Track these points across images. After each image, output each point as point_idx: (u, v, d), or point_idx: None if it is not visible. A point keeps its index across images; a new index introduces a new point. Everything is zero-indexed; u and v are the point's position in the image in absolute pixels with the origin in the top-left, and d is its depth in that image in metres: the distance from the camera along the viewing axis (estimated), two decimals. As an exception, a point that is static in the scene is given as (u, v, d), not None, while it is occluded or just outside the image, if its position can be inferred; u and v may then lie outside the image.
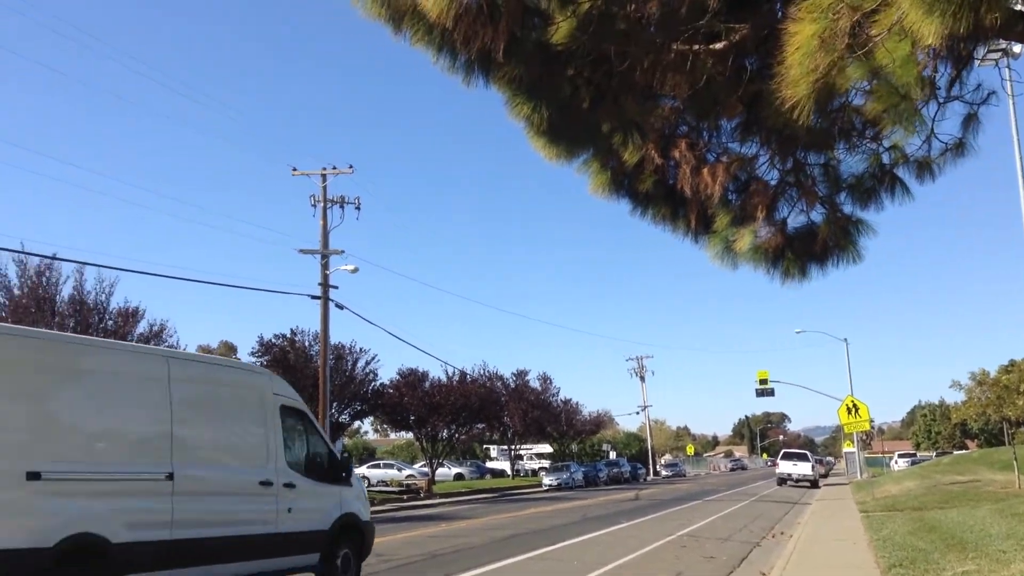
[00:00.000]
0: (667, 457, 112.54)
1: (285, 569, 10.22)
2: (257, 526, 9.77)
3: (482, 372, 54.02)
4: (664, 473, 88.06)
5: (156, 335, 27.30)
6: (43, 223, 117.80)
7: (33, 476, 7.46)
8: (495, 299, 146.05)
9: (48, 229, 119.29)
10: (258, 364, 37.88)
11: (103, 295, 25.86)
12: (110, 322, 25.97)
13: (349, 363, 39.56)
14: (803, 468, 49.69)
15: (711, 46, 5.68)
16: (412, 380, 46.74)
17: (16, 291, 24.40)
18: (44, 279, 24.90)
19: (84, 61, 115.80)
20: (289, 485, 10.33)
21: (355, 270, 33.95)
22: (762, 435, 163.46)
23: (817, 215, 6.90)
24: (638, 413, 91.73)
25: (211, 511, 9.19)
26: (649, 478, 78.45)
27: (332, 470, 11.44)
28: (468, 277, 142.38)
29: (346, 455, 11.74)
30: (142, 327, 26.85)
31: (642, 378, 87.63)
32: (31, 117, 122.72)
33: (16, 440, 7.53)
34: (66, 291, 25.38)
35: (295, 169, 35.16)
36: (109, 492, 8.15)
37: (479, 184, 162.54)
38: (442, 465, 52.62)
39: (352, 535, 11.48)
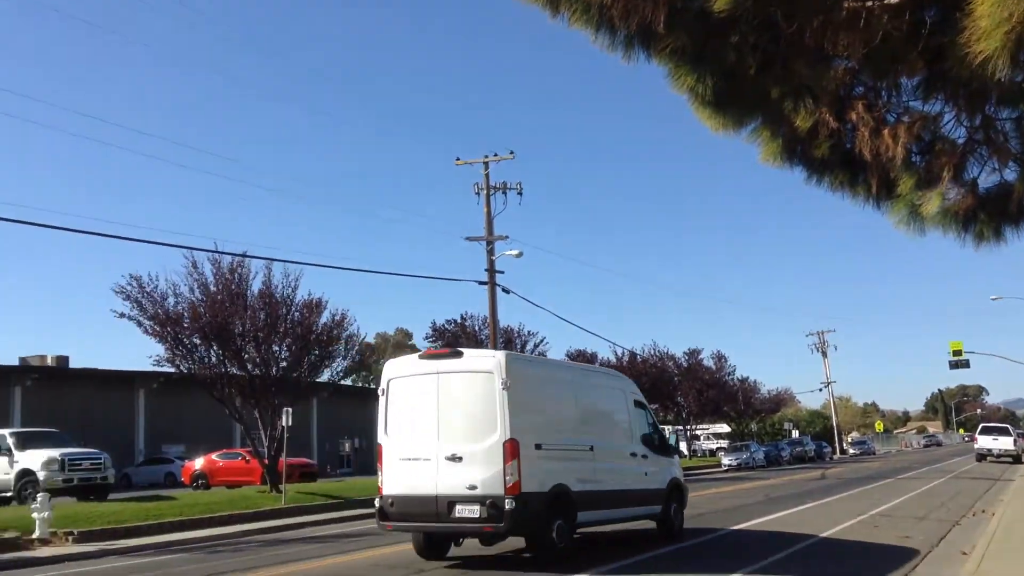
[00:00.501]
0: (854, 435, 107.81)
1: (644, 515, 14.91)
2: (632, 483, 14.32)
3: (652, 352, 53.51)
4: (851, 451, 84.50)
5: (338, 324, 28.54)
6: (234, 224, 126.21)
7: (538, 447, 12.05)
8: (663, 277, 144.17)
9: (238, 229, 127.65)
10: (433, 347, 39.29)
11: (289, 288, 27.29)
12: (296, 313, 27.38)
13: (518, 346, 40.16)
14: (1004, 443, 46.49)
15: (886, 1, 5.34)
16: (580, 362, 46.93)
17: (212, 287, 26.18)
18: (236, 275, 26.54)
19: (241, 60, 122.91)
20: (644, 456, 14.94)
21: (519, 254, 34.38)
22: (957, 409, 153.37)
23: (1011, 173, 6.39)
24: (821, 390, 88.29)
25: (612, 472, 13.78)
26: (835, 457, 75.49)
27: (663, 446, 16.07)
28: (635, 255, 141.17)
29: (672, 435, 15.88)
30: (324, 317, 28.19)
31: (824, 353, 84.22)
32: (216, 124, 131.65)
33: (531, 424, 12.08)
34: (256, 285, 27.02)
35: (458, 159, 35.95)
36: (567, 459, 12.74)
37: (641, 160, 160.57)
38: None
39: (678, 493, 15.80)
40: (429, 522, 12.09)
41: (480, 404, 11.99)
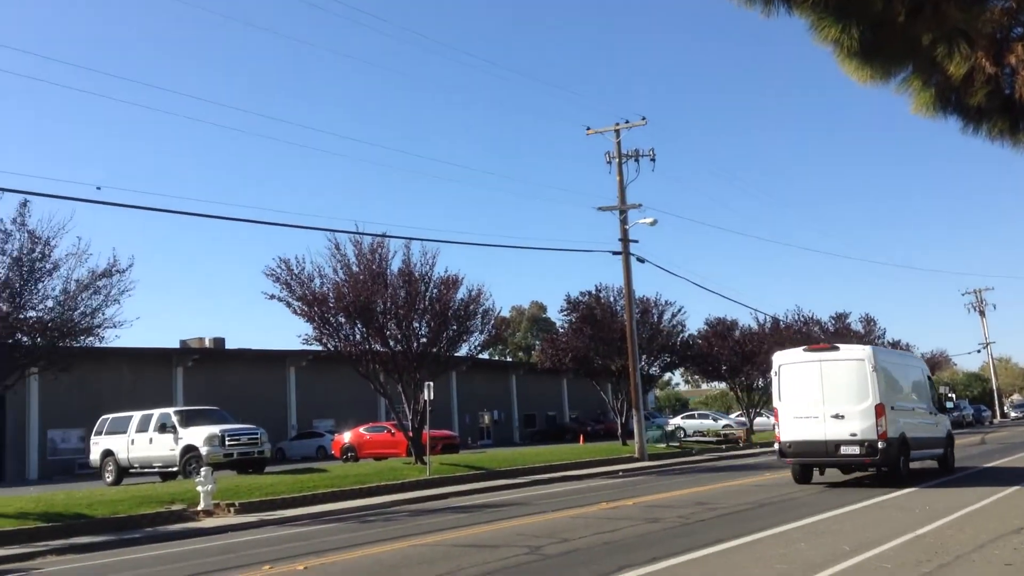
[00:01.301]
0: (1015, 397, 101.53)
1: (934, 456, 21.31)
2: (931, 433, 20.77)
3: (797, 317, 51.77)
4: (1013, 415, 79.72)
5: (474, 299, 28.98)
6: (373, 206, 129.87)
7: (892, 408, 18.39)
8: (806, 238, 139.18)
9: (378, 210, 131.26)
10: (567, 321, 39.34)
11: (427, 266, 27.88)
12: (434, 290, 27.97)
13: (655, 316, 39.65)
14: None
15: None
16: (721, 330, 45.89)
17: (354, 267, 27.07)
18: (377, 255, 27.33)
19: (377, 41, 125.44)
20: (933, 414, 21.23)
21: (654, 222, 33.85)
22: None
23: None
24: (979, 351, 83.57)
25: (922, 425, 20.34)
26: (995, 421, 71.32)
27: (942, 407, 23.06)
28: (775, 218, 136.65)
29: (951, 394, 20.11)
30: (461, 293, 28.67)
31: (982, 313, 79.53)
32: (343, 101, 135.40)
33: (888, 392, 18.45)
34: (395, 264, 27.76)
35: (589, 128, 35.65)
36: (906, 415, 19.25)
37: (777, 120, 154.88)
38: (760, 414, 51.33)
39: (950, 440, 22.37)
40: (819, 457, 18.78)
41: (855, 380, 18.37)
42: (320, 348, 28.52)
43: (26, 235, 18.16)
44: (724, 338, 45.36)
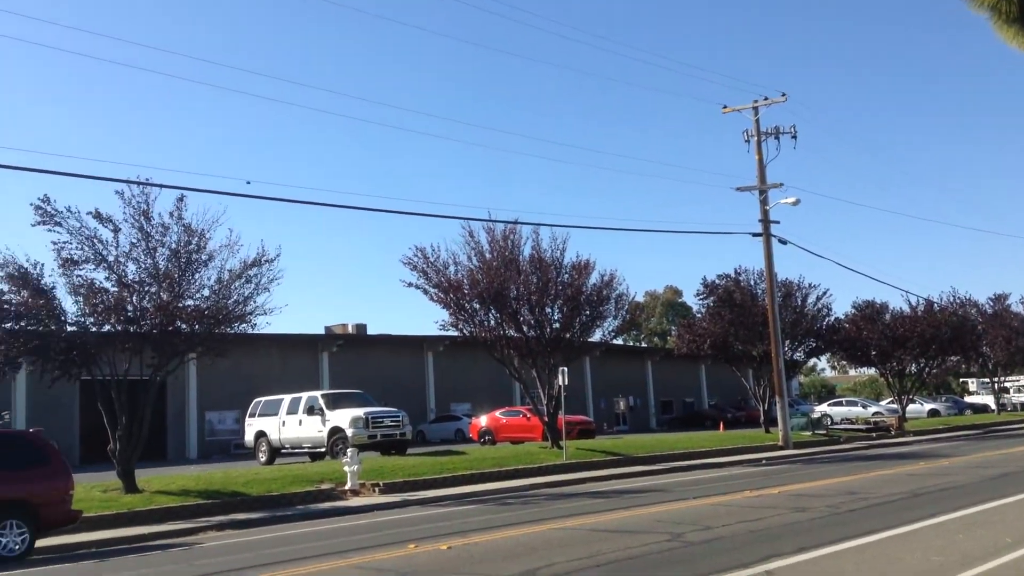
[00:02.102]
0: None
1: None
2: None
3: (952, 299, 48.92)
4: None
5: (607, 284, 28.74)
6: (506, 193, 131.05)
7: None
8: (961, 217, 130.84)
9: (510, 197, 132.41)
10: (704, 305, 38.46)
11: (558, 251, 27.84)
12: (565, 276, 27.92)
13: (798, 299, 38.25)
14: None
15: None
16: (870, 313, 43.89)
17: (487, 254, 27.36)
18: (509, 242, 27.55)
19: (509, 26, 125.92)
20: None
21: (796, 202, 32.62)
22: None
23: None
24: None
25: None
26: None
27: None
28: (927, 196, 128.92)
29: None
30: (594, 278, 28.49)
31: None
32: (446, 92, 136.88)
33: None
34: (527, 250, 27.86)
35: (725, 107, 34.65)
36: None
37: (926, 92, 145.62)
38: (912, 401, 48.81)
39: None
40: None
41: None
42: (456, 334, 29.00)
43: (183, 229, 19.18)
44: (873, 322, 43.41)
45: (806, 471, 22.26)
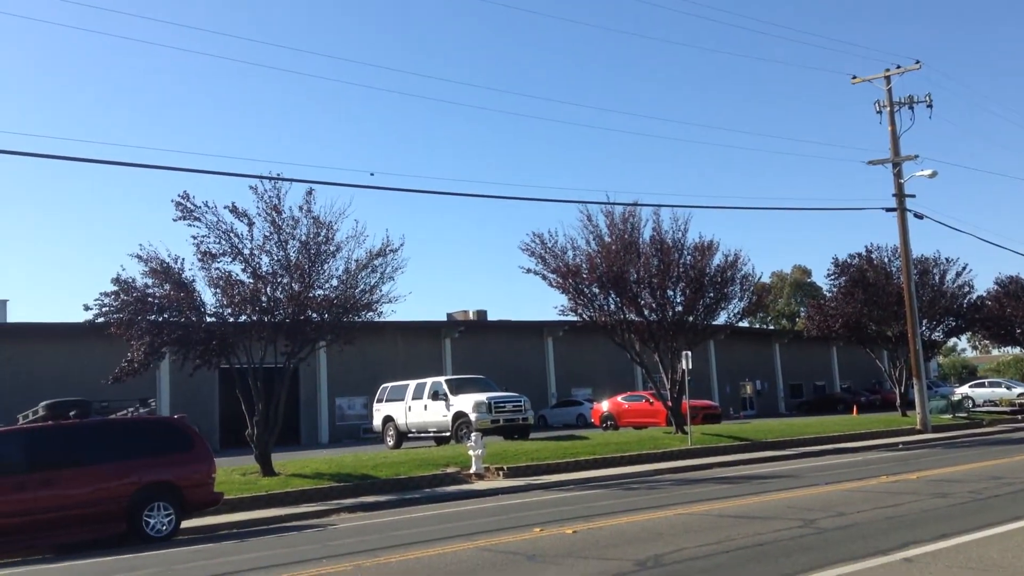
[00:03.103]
0: None
1: None
2: None
3: (1112, 273, 45.63)
4: None
5: (731, 265, 28.12)
6: (625, 174, 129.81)
7: None
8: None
9: (630, 179, 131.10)
10: (835, 285, 37.10)
11: (679, 232, 27.41)
12: (688, 257, 27.46)
13: (936, 276, 36.47)
14: None
15: None
16: (1014, 289, 41.55)
17: (606, 238, 27.18)
18: (629, 225, 27.28)
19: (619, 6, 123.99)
20: None
21: (933, 174, 31.00)
22: None
23: None
24: None
25: None
26: None
27: None
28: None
29: None
30: (717, 259, 27.92)
31: None
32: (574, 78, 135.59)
33: None
34: (647, 233, 27.54)
35: (854, 77, 33.21)
36: None
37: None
38: (1062, 382, 45.91)
39: None
40: None
41: None
42: (576, 318, 28.97)
43: (312, 221, 19.85)
44: (1018, 298, 41.09)
45: (946, 455, 21.24)
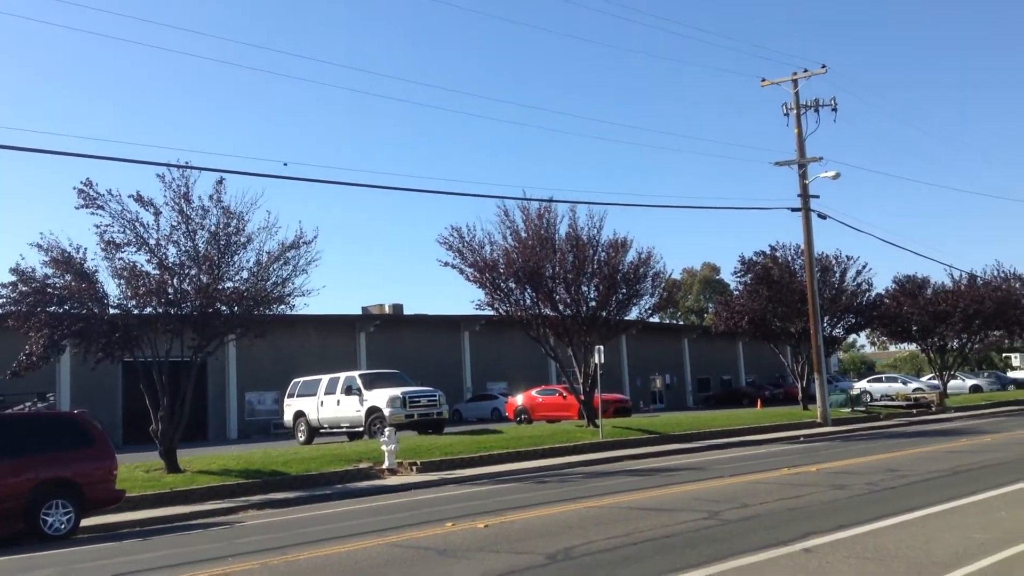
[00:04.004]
0: None
1: None
2: None
3: (996, 273, 47.96)
4: None
5: (644, 263, 28.56)
6: (539, 171, 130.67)
7: None
8: (1004, 188, 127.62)
9: (544, 175, 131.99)
10: (741, 282, 38.12)
11: (594, 229, 27.65)
12: (602, 253, 27.78)
13: (837, 274, 37.74)
14: None
15: None
16: (911, 288, 43.28)
17: (523, 234, 27.31)
18: (544, 221, 27.43)
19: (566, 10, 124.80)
20: None
21: (836, 176, 32.12)
22: None
23: None
24: None
25: None
26: None
27: None
28: (974, 167, 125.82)
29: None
30: (630, 256, 28.31)
31: None
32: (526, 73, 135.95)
33: None
34: (563, 229, 27.75)
35: (764, 80, 34.15)
36: None
37: (969, 62, 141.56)
38: (954, 377, 48.09)
39: None
40: None
41: None
42: (492, 313, 29.06)
43: (222, 211, 19.35)
44: (914, 297, 42.83)
45: (845, 448, 22.06)
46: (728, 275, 50.08)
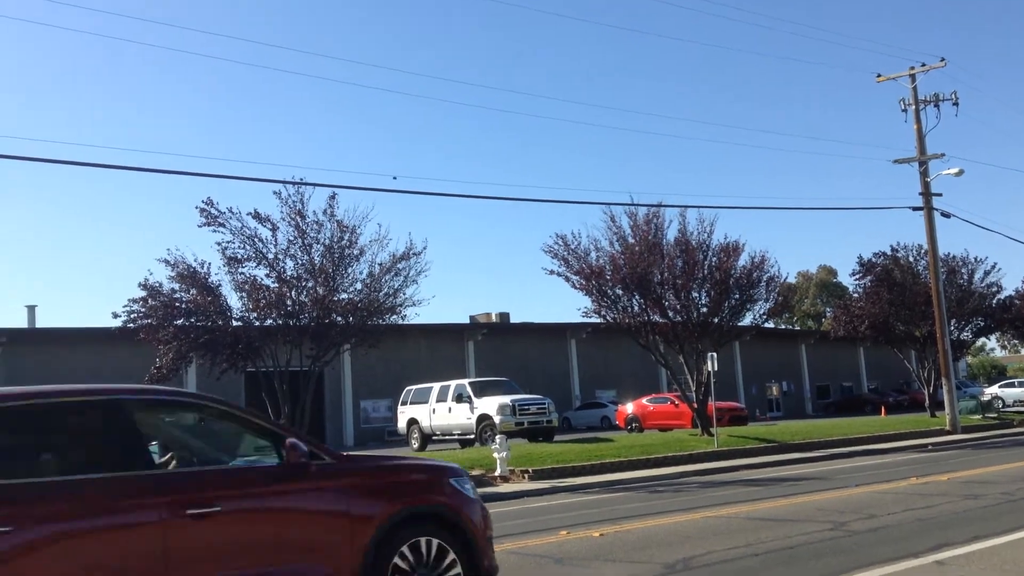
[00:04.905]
0: None
1: None
2: None
3: None
4: None
5: (757, 267, 27.94)
6: (646, 176, 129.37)
7: None
8: None
9: (654, 180, 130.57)
10: (861, 285, 36.78)
11: (705, 233, 27.24)
12: (713, 258, 27.29)
13: (964, 275, 36.04)
14: None
15: None
16: (1042, 287, 40.89)
17: (630, 239, 27.08)
18: (652, 226, 27.14)
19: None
20: None
21: (960, 173, 30.67)
22: None
23: None
24: None
25: None
26: None
27: None
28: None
29: None
30: (743, 260, 27.74)
31: None
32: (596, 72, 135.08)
33: None
34: (671, 233, 27.41)
35: (879, 75, 32.93)
36: None
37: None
38: (1095, 382, 45.16)
39: None
40: None
41: None
42: (599, 320, 28.88)
43: (335, 225, 19.95)
44: (1049, 297, 40.44)
45: (977, 456, 20.96)
46: (846, 278, 48.44)
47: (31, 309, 44.73)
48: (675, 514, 12.88)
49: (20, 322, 44.11)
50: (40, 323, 43.92)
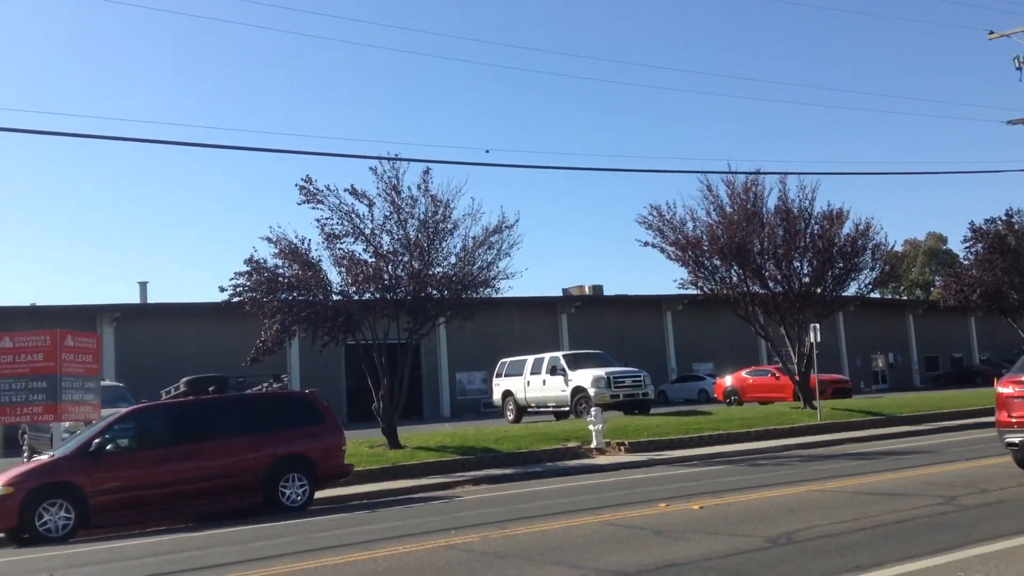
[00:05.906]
0: None
1: None
2: None
3: None
4: None
5: (862, 234, 26.95)
6: (744, 143, 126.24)
7: None
8: None
9: (752, 147, 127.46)
10: (972, 252, 35.15)
11: (806, 201, 26.38)
12: (816, 226, 26.45)
13: (1087, 241, 34.02)
14: None
15: None
16: None
17: (728, 208, 26.47)
18: (751, 194, 26.44)
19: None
20: None
21: (1083, 131, 28.85)
22: None
23: None
24: None
25: None
26: None
27: None
28: None
29: None
30: (847, 228, 26.80)
31: None
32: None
33: None
34: (771, 202, 26.65)
35: (991, 32, 31.16)
36: None
37: None
38: None
39: None
40: None
41: None
42: (696, 292, 28.41)
43: (429, 199, 20.11)
44: None
45: (1103, 432, 19.82)
46: (956, 245, 46.43)
47: (143, 285, 46.82)
48: (777, 488, 12.63)
49: (132, 298, 46.28)
50: (151, 299, 45.93)
